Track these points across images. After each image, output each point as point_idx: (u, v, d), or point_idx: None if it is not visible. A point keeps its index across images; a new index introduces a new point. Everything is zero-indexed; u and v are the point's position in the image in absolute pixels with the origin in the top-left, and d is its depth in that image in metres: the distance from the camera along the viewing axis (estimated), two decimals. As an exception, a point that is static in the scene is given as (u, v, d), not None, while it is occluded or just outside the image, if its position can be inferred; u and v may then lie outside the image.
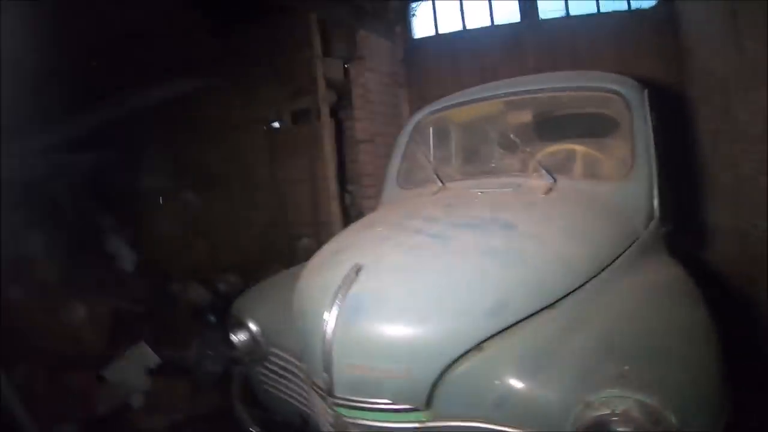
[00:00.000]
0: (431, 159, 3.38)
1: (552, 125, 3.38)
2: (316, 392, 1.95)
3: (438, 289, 1.82)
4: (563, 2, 6.10)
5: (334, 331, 1.75)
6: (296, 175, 6.47)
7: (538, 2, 6.20)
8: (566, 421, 1.53)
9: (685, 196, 5.06)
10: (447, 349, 1.70)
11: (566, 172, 2.97)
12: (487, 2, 6.47)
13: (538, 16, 6.22)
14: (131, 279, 4.93)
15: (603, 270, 2.11)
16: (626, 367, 1.53)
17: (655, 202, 2.69)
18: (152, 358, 4.18)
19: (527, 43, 6.15)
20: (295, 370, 2.38)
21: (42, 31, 4.96)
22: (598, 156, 3.05)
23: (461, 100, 3.69)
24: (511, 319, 1.77)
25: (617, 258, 2.22)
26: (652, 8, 5.69)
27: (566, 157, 3.10)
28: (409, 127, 3.78)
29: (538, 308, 1.84)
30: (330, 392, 1.80)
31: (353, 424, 1.82)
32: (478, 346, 1.73)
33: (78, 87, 5.98)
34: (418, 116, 3.79)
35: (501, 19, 6.46)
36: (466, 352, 1.71)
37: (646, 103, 2.95)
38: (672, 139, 5.04)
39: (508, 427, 1.64)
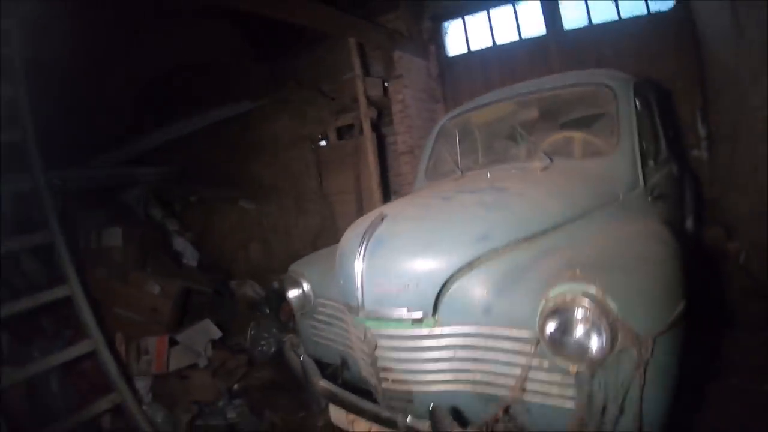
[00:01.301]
0: (454, 155, 3.93)
1: (555, 118, 3.88)
2: (350, 312, 2.51)
3: (439, 227, 2.42)
4: (585, 12, 6.45)
5: (364, 260, 2.33)
6: (342, 187, 6.99)
7: (562, 13, 6.58)
8: (536, 314, 1.98)
9: (708, 189, 5.43)
10: (445, 267, 2.24)
11: (565, 155, 3.49)
12: (514, 18, 6.92)
13: (562, 27, 6.61)
14: (196, 273, 5.58)
15: (578, 218, 2.64)
16: (578, 271, 1.99)
17: (639, 174, 3.21)
18: (215, 332, 4.73)
19: (553, 54, 6.56)
20: (337, 314, 2.94)
21: (117, 64, 5.84)
22: (592, 140, 3.53)
23: (478, 104, 4.32)
24: (494, 246, 2.32)
25: (593, 211, 2.74)
26: (671, 10, 5.97)
27: (565, 143, 3.60)
28: (435, 129, 4.40)
29: (517, 239, 2.39)
30: (361, 307, 2.36)
31: (379, 335, 2.37)
32: (469, 265, 2.26)
33: (148, 109, 6.86)
34: (443, 120, 4.42)
35: (528, 32, 6.90)
36: (459, 270, 2.25)
37: (632, 93, 3.48)
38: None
39: (495, 328, 2.15)
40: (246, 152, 7.18)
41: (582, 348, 1.90)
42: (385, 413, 2.37)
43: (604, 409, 1.90)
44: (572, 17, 6.60)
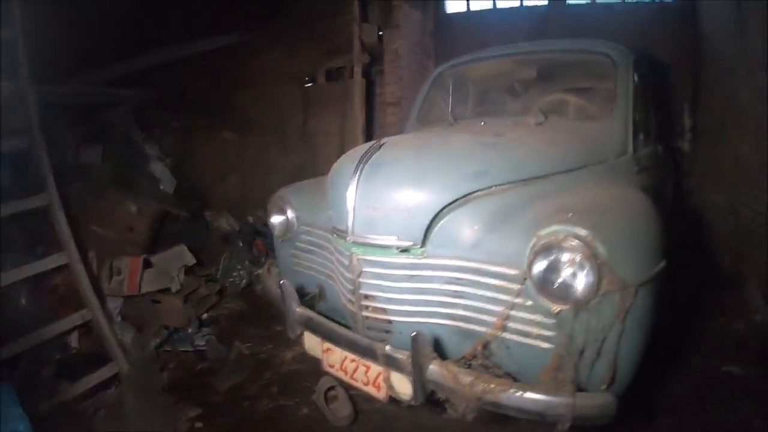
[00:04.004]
0: (448, 103, 3.92)
1: (553, 81, 3.86)
2: (338, 236, 2.52)
3: (437, 158, 2.45)
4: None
5: (358, 184, 2.33)
6: (326, 129, 6.82)
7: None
8: (525, 252, 2.01)
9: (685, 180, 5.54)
10: (440, 198, 2.27)
11: (559, 115, 3.50)
12: (517, -17, 6.74)
13: (565, 1, 6.52)
14: (172, 199, 5.51)
15: (570, 171, 2.69)
16: (570, 215, 2.03)
17: (629, 143, 3.28)
18: (190, 258, 4.66)
19: (553, 27, 6.37)
20: (320, 242, 2.95)
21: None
22: (587, 105, 3.55)
23: (477, 57, 4.30)
24: (489, 184, 2.35)
25: (584, 167, 2.80)
26: (677, 0, 5.96)
27: (561, 103, 3.60)
28: (432, 76, 4.38)
29: (512, 180, 2.42)
30: (350, 232, 2.37)
31: (365, 262, 2.38)
32: (463, 199, 2.29)
33: (137, 33, 6.66)
34: (441, 68, 4.40)
35: (530, 1, 6.80)
36: (453, 203, 2.27)
37: (632, 65, 3.53)
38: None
39: (482, 263, 2.16)
40: (231, 84, 7.04)
41: (568, 288, 1.93)
42: (364, 341, 2.41)
43: (582, 351, 1.96)
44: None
